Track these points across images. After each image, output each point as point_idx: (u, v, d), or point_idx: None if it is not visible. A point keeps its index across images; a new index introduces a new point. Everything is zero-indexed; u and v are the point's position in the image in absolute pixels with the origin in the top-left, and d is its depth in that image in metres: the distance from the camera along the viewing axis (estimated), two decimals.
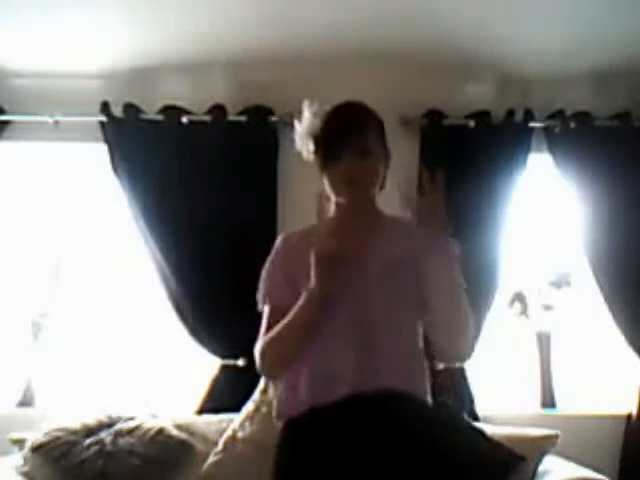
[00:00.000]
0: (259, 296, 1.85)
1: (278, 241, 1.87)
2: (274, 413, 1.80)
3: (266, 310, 1.82)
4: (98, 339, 3.42)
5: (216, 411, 3.02)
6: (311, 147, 1.80)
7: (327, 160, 1.75)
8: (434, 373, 3.12)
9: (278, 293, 1.78)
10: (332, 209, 1.84)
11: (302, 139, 1.82)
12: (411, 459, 1.56)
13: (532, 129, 3.29)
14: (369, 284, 1.71)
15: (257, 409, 2.89)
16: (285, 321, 1.71)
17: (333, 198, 1.81)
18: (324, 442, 1.59)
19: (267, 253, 3.11)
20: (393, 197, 1.80)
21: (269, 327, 1.76)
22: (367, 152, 1.74)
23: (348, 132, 1.74)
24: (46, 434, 2.70)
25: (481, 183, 3.18)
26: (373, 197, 1.84)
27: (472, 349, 1.86)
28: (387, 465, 1.52)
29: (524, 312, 3.57)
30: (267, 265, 1.85)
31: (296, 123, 1.85)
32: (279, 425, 1.76)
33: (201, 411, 3.10)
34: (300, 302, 1.69)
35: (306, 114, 1.82)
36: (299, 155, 3.25)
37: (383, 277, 1.72)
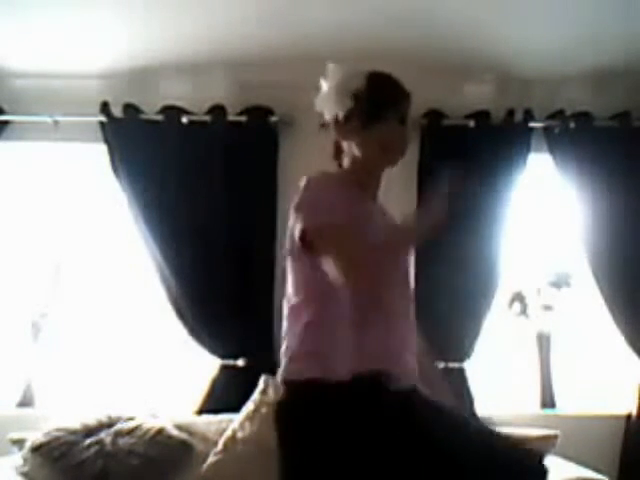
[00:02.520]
0: (310, 218, 1.61)
1: (319, 180, 1.68)
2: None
3: (333, 229, 1.58)
4: (98, 340, 3.42)
5: (216, 411, 3.02)
6: (348, 104, 1.72)
7: (371, 119, 1.71)
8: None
9: (336, 215, 1.60)
10: (346, 163, 1.79)
11: (336, 95, 1.73)
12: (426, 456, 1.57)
13: (532, 129, 3.29)
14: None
15: (257, 409, 2.89)
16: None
17: (356, 155, 1.75)
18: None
19: (267, 253, 3.14)
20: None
21: (348, 239, 1.57)
22: (406, 120, 1.76)
23: (398, 96, 1.75)
24: (46, 434, 2.70)
25: (481, 183, 3.18)
26: None
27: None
28: (400, 459, 1.53)
29: (524, 312, 3.57)
30: (317, 194, 1.65)
31: (323, 82, 1.77)
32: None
33: (201, 411, 3.10)
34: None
35: (339, 71, 1.75)
36: (299, 155, 3.25)
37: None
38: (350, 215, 1.60)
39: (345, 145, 1.78)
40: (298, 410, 1.60)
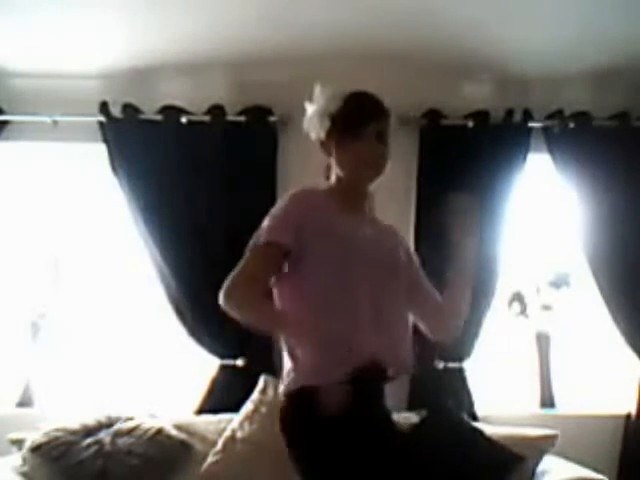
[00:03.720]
0: (259, 235, 1.77)
1: (298, 193, 1.80)
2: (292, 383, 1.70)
3: (264, 248, 1.75)
4: (97, 339, 3.42)
5: (215, 411, 3.03)
6: (327, 125, 1.82)
7: (346, 138, 1.80)
8: (433, 373, 3.13)
9: (284, 236, 1.73)
10: (332, 179, 1.88)
11: (317, 117, 1.83)
12: (411, 459, 1.59)
13: (531, 129, 3.29)
14: (381, 271, 1.78)
15: (256, 409, 2.89)
16: (264, 313, 1.74)
17: (338, 172, 1.85)
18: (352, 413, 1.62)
19: None
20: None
21: (264, 265, 1.74)
22: (384, 138, 1.83)
23: (373, 114, 1.82)
24: (45, 434, 2.70)
25: (480, 183, 3.18)
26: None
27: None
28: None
29: (523, 312, 3.57)
30: (279, 211, 1.78)
31: (307, 105, 1.87)
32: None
33: (200, 411, 3.10)
34: (273, 319, 1.76)
35: (322, 94, 1.84)
36: (298, 155, 3.25)
37: (389, 266, 1.81)
38: (312, 235, 1.71)
39: (331, 162, 1.86)
40: (297, 418, 1.67)
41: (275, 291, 1.78)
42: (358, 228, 1.79)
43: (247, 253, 1.77)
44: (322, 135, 1.84)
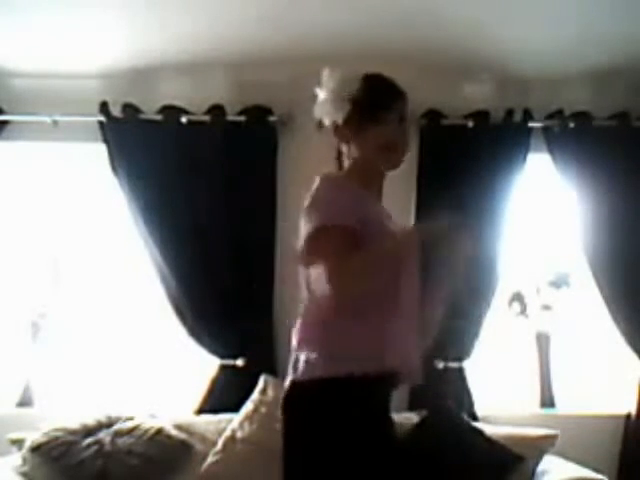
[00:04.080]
0: (316, 219, 1.64)
1: (331, 179, 1.74)
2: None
3: (333, 231, 1.61)
4: (97, 339, 3.42)
5: (215, 411, 3.03)
6: (347, 109, 1.75)
7: (367, 123, 1.74)
8: (433, 373, 3.13)
9: (347, 219, 1.63)
10: (346, 164, 1.82)
11: (332, 102, 1.76)
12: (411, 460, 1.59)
13: (531, 129, 3.29)
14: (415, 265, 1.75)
15: (256, 409, 2.89)
16: (377, 249, 1.65)
17: (356, 157, 1.78)
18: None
19: (266, 253, 3.15)
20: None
21: (343, 245, 1.59)
22: (405, 119, 1.78)
23: (394, 98, 1.77)
24: (45, 434, 2.70)
25: (480, 183, 3.19)
26: None
27: None
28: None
29: (523, 312, 3.57)
30: (325, 197, 1.68)
31: (318, 90, 1.80)
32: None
33: (200, 411, 3.10)
34: (396, 239, 1.70)
35: (332, 78, 1.78)
36: (298, 155, 3.25)
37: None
38: (363, 216, 1.64)
39: (345, 148, 1.81)
40: (303, 405, 1.63)
41: (316, 276, 1.65)
42: (386, 218, 1.77)
43: (310, 242, 1.63)
44: (339, 120, 1.76)
